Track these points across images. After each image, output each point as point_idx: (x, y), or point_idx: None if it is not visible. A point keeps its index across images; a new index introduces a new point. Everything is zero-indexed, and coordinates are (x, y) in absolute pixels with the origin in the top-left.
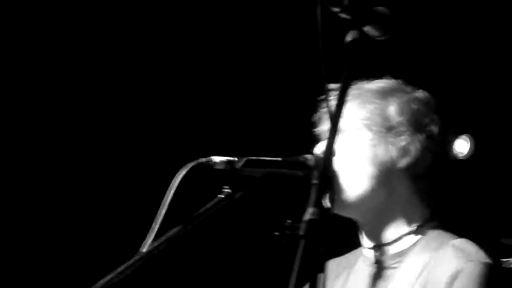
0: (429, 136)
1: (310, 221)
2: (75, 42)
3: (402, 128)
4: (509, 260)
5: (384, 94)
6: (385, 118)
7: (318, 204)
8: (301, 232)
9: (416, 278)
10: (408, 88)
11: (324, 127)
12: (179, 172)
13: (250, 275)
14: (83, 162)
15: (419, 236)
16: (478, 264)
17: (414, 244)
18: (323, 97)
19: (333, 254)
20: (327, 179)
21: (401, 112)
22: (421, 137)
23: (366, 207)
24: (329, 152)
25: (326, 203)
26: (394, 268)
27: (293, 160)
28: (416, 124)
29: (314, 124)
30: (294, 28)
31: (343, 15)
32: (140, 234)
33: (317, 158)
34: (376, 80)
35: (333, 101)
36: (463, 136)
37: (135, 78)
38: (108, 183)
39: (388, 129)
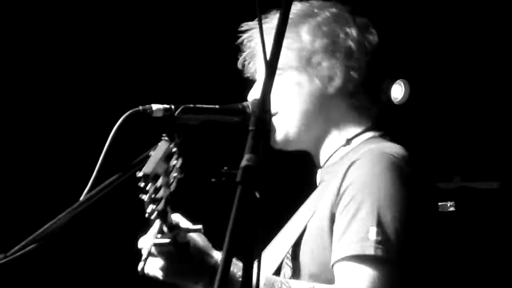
0: (349, 53)
1: (246, 167)
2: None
3: (320, 56)
4: (445, 204)
5: (293, 26)
6: (300, 50)
7: (255, 150)
8: (238, 179)
9: (337, 187)
10: (316, 8)
11: (252, 66)
12: (118, 120)
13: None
14: (26, 108)
15: (350, 147)
16: (377, 153)
17: (344, 156)
18: (245, 36)
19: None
20: (264, 125)
21: (313, 40)
22: (340, 58)
23: (307, 138)
24: (265, 98)
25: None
26: (326, 182)
27: (230, 107)
28: (331, 46)
29: (242, 67)
30: None
31: None
32: (80, 182)
33: (253, 104)
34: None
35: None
36: (398, 81)
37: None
38: (52, 131)
39: (306, 61)
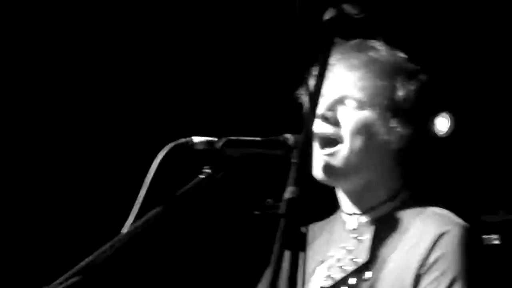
0: (420, 123)
1: (290, 199)
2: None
3: (405, 115)
4: (491, 237)
5: (392, 71)
6: (392, 100)
7: (298, 183)
8: (281, 211)
9: (397, 243)
10: (413, 65)
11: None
12: (159, 153)
13: (232, 254)
14: (67, 145)
15: (393, 204)
16: (461, 226)
17: (390, 212)
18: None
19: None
20: (306, 158)
21: (407, 98)
22: (417, 124)
23: (357, 178)
24: (308, 132)
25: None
26: (367, 234)
27: (273, 139)
28: (417, 112)
29: (299, 104)
30: (272, 8)
31: None
32: (122, 215)
33: (296, 137)
34: (376, 47)
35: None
36: (443, 114)
37: (120, 61)
38: (93, 165)
39: (393, 112)
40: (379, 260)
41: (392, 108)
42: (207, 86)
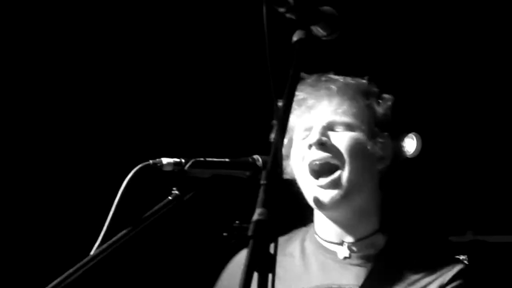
0: (395, 139)
1: (258, 221)
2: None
3: (386, 133)
4: (458, 258)
5: (365, 94)
6: (374, 119)
7: (267, 205)
8: (249, 233)
9: (397, 279)
10: (375, 89)
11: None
12: (128, 174)
13: (200, 276)
14: (35, 163)
15: (386, 236)
16: (465, 265)
17: (387, 244)
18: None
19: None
20: (276, 179)
21: (386, 115)
22: (392, 141)
23: (357, 201)
24: (277, 153)
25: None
26: (364, 267)
27: (241, 161)
28: (393, 129)
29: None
30: (241, 28)
31: (289, 15)
32: (90, 236)
33: (265, 158)
34: (337, 77)
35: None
36: (411, 135)
37: (87, 80)
38: (59, 185)
39: (376, 132)
40: None
41: (378, 125)
42: (177, 107)
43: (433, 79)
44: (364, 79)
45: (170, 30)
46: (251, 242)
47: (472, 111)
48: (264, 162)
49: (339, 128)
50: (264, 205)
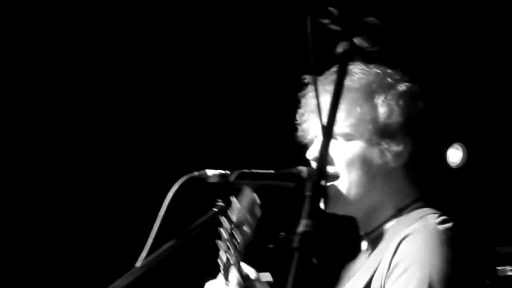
0: (418, 131)
1: (304, 233)
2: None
3: (393, 131)
4: (504, 268)
5: (369, 93)
6: (375, 122)
7: (312, 216)
8: (295, 244)
9: (389, 259)
10: (391, 77)
11: (310, 130)
12: (173, 186)
13: None
14: (81, 177)
15: (398, 217)
16: (430, 228)
17: (394, 226)
18: (306, 92)
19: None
20: (321, 190)
21: (390, 114)
22: (410, 135)
23: (362, 205)
24: (322, 163)
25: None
26: (376, 252)
27: (286, 172)
28: (406, 125)
29: (298, 124)
30: (285, 41)
31: (333, 27)
32: (135, 248)
33: (310, 169)
34: (352, 70)
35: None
36: (456, 145)
37: (133, 92)
38: (105, 198)
39: (380, 134)
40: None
41: (378, 130)
42: (222, 119)
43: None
44: (377, 69)
45: (220, 43)
46: (296, 253)
47: None
48: (308, 173)
49: (339, 137)
50: (309, 217)
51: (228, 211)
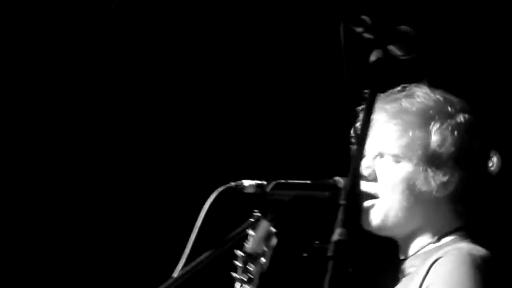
0: (470, 165)
1: (338, 242)
2: (77, 44)
3: (442, 160)
4: None
5: (426, 119)
6: (426, 149)
7: (346, 225)
8: (329, 253)
9: (420, 282)
10: (451, 107)
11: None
12: (209, 197)
13: None
14: (117, 186)
15: (438, 244)
16: (463, 252)
17: (430, 251)
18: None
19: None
20: (355, 199)
21: (442, 143)
22: (461, 167)
23: (400, 230)
24: (355, 173)
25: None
26: (410, 276)
27: (322, 182)
28: (456, 154)
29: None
30: (319, 50)
31: (366, 35)
32: (172, 258)
33: (346, 179)
34: (414, 93)
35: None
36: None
37: (164, 105)
38: (142, 208)
39: (427, 161)
40: None
41: (427, 157)
42: (257, 130)
43: None
44: (439, 95)
45: (256, 52)
46: (330, 262)
47: None
48: (345, 183)
49: (387, 158)
50: (343, 225)
51: (244, 243)
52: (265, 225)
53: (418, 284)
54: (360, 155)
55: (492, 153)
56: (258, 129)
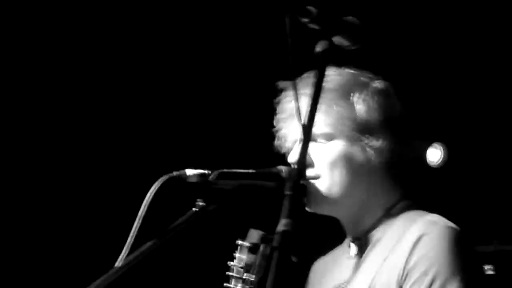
0: (396, 126)
1: (283, 232)
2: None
3: (373, 127)
4: (484, 268)
5: (345, 92)
6: (354, 120)
7: (292, 215)
8: (274, 244)
9: (385, 256)
10: (364, 76)
11: (289, 136)
12: (152, 186)
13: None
14: (58, 178)
15: (388, 217)
16: (442, 227)
17: (389, 226)
18: (282, 98)
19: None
20: (300, 189)
21: (367, 110)
22: (391, 133)
23: (346, 204)
24: (302, 163)
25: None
26: (374, 254)
27: (266, 171)
28: (384, 120)
29: (275, 132)
30: (263, 40)
31: (312, 26)
32: (115, 248)
33: (290, 169)
34: (329, 73)
35: (292, 105)
36: (435, 145)
37: (112, 91)
38: (84, 198)
39: (359, 130)
40: (367, 276)
41: (357, 127)
42: (199, 118)
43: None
44: (350, 70)
45: (186, 37)
46: (276, 253)
47: (498, 116)
48: (288, 172)
49: (319, 139)
50: (289, 216)
51: (236, 253)
52: (255, 234)
53: (402, 263)
54: (305, 147)
55: (436, 144)
56: (201, 118)
